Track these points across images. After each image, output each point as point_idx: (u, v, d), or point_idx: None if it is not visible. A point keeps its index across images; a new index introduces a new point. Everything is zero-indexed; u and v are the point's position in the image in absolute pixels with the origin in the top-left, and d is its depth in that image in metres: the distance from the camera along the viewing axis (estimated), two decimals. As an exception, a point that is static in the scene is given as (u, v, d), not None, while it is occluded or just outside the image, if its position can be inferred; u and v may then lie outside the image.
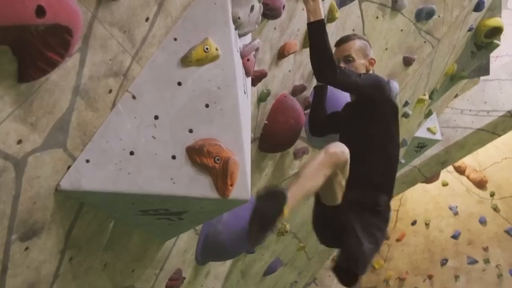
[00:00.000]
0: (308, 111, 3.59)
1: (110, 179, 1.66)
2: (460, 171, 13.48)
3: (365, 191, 2.98)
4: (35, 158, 1.44)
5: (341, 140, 3.07)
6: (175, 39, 1.81)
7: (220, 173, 1.73)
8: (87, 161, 1.64)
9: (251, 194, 1.91)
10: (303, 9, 2.94)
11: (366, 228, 2.89)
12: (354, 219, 2.88)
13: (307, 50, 3.24)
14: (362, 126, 3.08)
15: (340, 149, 2.66)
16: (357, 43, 3.28)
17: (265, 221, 2.25)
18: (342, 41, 3.32)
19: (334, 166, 2.64)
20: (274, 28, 2.74)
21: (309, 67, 3.47)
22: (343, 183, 2.77)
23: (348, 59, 3.23)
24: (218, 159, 1.73)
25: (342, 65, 3.21)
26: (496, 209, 13.10)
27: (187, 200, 1.77)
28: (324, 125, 3.53)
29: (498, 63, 9.10)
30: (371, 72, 3.30)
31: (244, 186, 1.82)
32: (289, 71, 3.25)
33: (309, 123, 3.56)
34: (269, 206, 2.23)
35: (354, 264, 2.79)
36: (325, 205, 2.87)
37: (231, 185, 1.74)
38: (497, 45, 7.04)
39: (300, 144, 3.79)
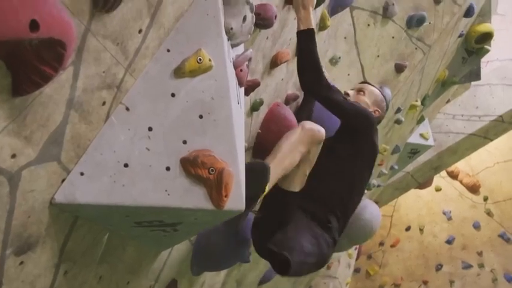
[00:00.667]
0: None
1: (105, 191, 1.65)
2: (453, 176, 13.57)
3: (322, 207, 2.95)
4: (29, 171, 1.43)
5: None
6: (168, 51, 1.81)
7: (214, 184, 1.73)
8: (82, 173, 1.63)
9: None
10: (294, 19, 2.95)
11: (311, 233, 2.83)
12: (302, 219, 2.83)
13: (294, 60, 3.26)
14: (338, 157, 3.06)
15: (316, 127, 2.67)
16: (376, 91, 3.36)
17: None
18: (367, 83, 3.45)
19: (310, 143, 2.64)
20: (267, 38, 2.75)
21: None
22: (307, 171, 2.74)
23: (359, 91, 3.32)
24: (212, 170, 1.73)
25: (349, 91, 3.29)
26: (489, 213, 13.19)
27: (182, 212, 1.77)
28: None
29: (489, 68, 9.18)
30: None
31: (239, 196, 1.82)
32: (282, 79, 3.27)
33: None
34: (251, 185, 2.12)
35: (287, 251, 2.64)
36: (279, 188, 2.74)
37: (225, 196, 1.74)
38: (487, 51, 7.09)
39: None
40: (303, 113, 3.54)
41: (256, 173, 2.29)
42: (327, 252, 2.91)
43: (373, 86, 3.42)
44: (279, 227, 2.74)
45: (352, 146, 3.04)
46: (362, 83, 3.51)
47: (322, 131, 2.66)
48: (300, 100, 3.67)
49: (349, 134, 3.06)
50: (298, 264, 2.66)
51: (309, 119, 3.40)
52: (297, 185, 2.74)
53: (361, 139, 3.06)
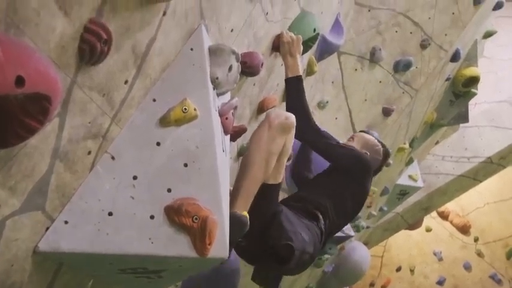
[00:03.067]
0: (288, 162, 3.63)
1: (89, 239, 1.66)
2: (444, 216, 13.57)
3: (309, 204, 2.97)
4: (13, 221, 1.44)
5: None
6: (154, 100, 1.85)
7: (198, 232, 1.74)
8: (66, 222, 1.65)
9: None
10: (281, 65, 3.00)
11: (304, 223, 2.81)
12: (291, 213, 2.79)
13: (283, 104, 3.31)
14: (329, 182, 3.16)
15: (283, 116, 2.59)
16: (368, 137, 3.44)
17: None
18: (362, 131, 3.60)
19: (282, 135, 2.56)
20: (254, 84, 2.79)
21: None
22: (284, 160, 2.68)
23: (349, 139, 3.43)
24: (196, 219, 1.74)
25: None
26: (480, 254, 13.16)
27: (166, 259, 1.78)
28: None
29: (477, 110, 9.28)
30: None
31: (223, 244, 1.83)
32: (269, 124, 3.30)
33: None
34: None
35: (287, 240, 2.61)
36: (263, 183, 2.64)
37: (209, 244, 1.76)
38: (474, 94, 7.19)
39: (280, 195, 3.81)
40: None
41: (233, 226, 2.25)
42: (318, 245, 2.88)
43: (366, 133, 3.50)
44: (269, 221, 2.68)
45: (343, 183, 3.10)
46: (359, 131, 3.62)
47: (291, 117, 2.59)
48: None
49: (341, 174, 3.12)
50: (299, 253, 2.63)
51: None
52: (277, 177, 2.68)
53: (352, 180, 3.12)
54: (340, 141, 3.34)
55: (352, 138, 3.42)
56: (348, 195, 3.12)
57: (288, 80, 2.92)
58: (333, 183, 3.11)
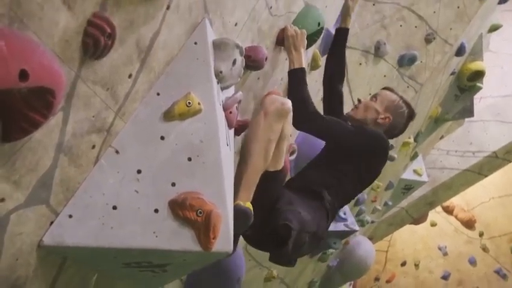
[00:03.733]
0: (293, 157, 3.63)
1: (93, 234, 1.67)
2: (448, 211, 13.57)
3: (313, 184, 2.91)
4: (17, 215, 1.45)
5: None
6: (158, 94, 1.85)
7: (202, 226, 1.74)
8: (70, 216, 1.65)
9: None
10: (286, 59, 3.00)
11: (306, 203, 2.76)
12: (293, 195, 2.76)
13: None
14: (335, 161, 3.04)
15: (279, 102, 2.56)
16: (392, 96, 3.25)
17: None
18: (386, 88, 3.37)
19: (279, 121, 2.54)
20: (258, 78, 2.79)
21: (293, 114, 3.51)
22: (284, 147, 2.65)
23: (372, 98, 3.27)
24: (200, 213, 1.74)
25: (362, 99, 3.27)
26: (485, 249, 13.15)
27: (170, 253, 1.78)
28: (331, 86, 3.49)
29: (482, 104, 9.26)
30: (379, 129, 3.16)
31: (227, 238, 1.83)
32: (274, 118, 3.29)
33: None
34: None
35: (285, 220, 2.57)
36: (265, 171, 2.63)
37: (213, 238, 1.76)
38: (480, 88, 7.17)
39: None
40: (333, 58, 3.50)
41: (237, 219, 2.23)
42: (323, 223, 2.85)
43: (391, 91, 3.31)
44: (271, 206, 2.67)
45: (352, 164, 2.99)
46: (383, 89, 3.41)
47: (287, 102, 2.57)
48: (291, 139, 3.70)
49: (351, 154, 3.01)
50: (298, 233, 2.59)
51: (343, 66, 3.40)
52: (277, 164, 2.65)
53: (363, 162, 3.01)
54: (362, 101, 3.27)
55: (375, 97, 3.25)
56: (356, 173, 3.01)
57: (290, 72, 2.91)
58: (341, 161, 3.00)
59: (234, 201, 2.33)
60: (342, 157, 3.00)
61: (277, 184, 2.73)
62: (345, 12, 3.35)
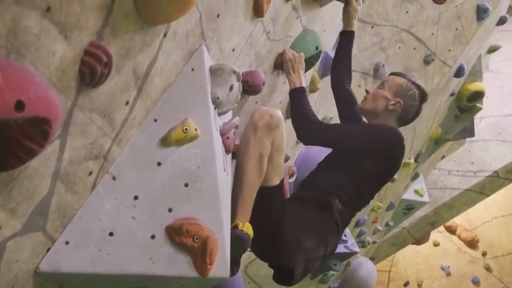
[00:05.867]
0: (292, 179, 3.63)
1: (90, 260, 1.67)
2: (451, 230, 13.53)
3: (319, 192, 2.77)
4: (14, 242, 1.46)
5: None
6: (155, 121, 1.86)
7: (199, 252, 1.75)
8: (67, 242, 1.66)
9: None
10: (284, 83, 3.02)
11: (310, 221, 2.67)
12: (296, 210, 2.66)
13: (289, 121, 3.31)
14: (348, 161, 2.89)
15: (266, 115, 2.48)
16: (399, 80, 3.11)
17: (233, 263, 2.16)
18: (394, 73, 3.26)
19: (269, 135, 2.48)
20: (256, 102, 2.81)
21: (293, 136, 3.52)
22: (279, 160, 2.58)
23: (380, 85, 3.17)
24: (197, 238, 1.75)
25: (372, 90, 3.17)
26: (488, 268, 13.08)
27: (167, 279, 1.78)
28: (340, 87, 3.38)
29: (483, 124, 9.28)
30: (391, 116, 3.04)
31: (224, 264, 1.84)
32: (272, 142, 3.30)
33: (331, 73, 3.41)
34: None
35: (287, 259, 2.54)
36: (261, 187, 2.55)
37: (210, 264, 1.76)
38: (480, 109, 7.19)
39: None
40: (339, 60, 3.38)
41: (234, 244, 2.23)
42: (332, 239, 2.75)
43: (398, 75, 3.19)
44: (274, 224, 2.60)
45: (366, 164, 2.84)
46: (390, 74, 3.29)
47: (275, 114, 2.50)
48: (290, 161, 3.71)
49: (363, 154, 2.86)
50: (303, 266, 2.57)
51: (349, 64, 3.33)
52: (275, 178, 2.59)
53: (377, 160, 2.85)
54: (371, 91, 3.16)
55: (382, 85, 3.14)
56: (371, 173, 2.87)
57: (291, 91, 2.90)
58: (353, 162, 2.86)
59: (233, 221, 2.34)
60: (354, 157, 2.86)
61: (276, 199, 2.65)
62: (348, 16, 3.23)
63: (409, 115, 3.07)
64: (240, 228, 2.35)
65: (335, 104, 3.43)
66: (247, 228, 2.39)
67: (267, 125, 2.46)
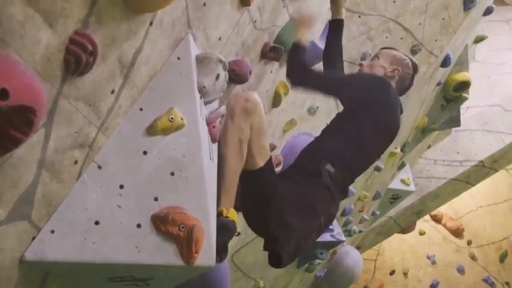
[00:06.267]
0: (279, 168, 3.64)
1: (75, 248, 1.67)
2: (437, 219, 13.61)
3: (311, 159, 2.77)
4: (-2, 231, 1.45)
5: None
6: (141, 109, 1.86)
7: (185, 240, 1.75)
8: (52, 231, 1.65)
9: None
10: (271, 72, 3.02)
11: (300, 200, 2.61)
12: (282, 185, 2.62)
13: (276, 110, 3.32)
14: (347, 123, 2.89)
15: (242, 99, 2.48)
16: (393, 52, 3.19)
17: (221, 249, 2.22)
18: (385, 48, 3.32)
19: (247, 119, 2.47)
20: (243, 91, 2.81)
21: (279, 126, 3.53)
22: (262, 141, 2.56)
23: (373, 58, 3.20)
24: (183, 227, 1.76)
25: (363, 63, 3.20)
26: (473, 257, 13.19)
27: (153, 268, 1.79)
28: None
29: (469, 114, 9.32)
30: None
31: (209, 252, 1.84)
32: (259, 130, 3.31)
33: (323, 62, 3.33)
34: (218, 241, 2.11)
35: (274, 243, 2.55)
36: (246, 171, 2.56)
37: (196, 252, 1.77)
38: (466, 98, 7.22)
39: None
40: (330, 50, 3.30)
41: (220, 232, 2.17)
42: (326, 207, 2.71)
43: (389, 48, 3.27)
44: (262, 211, 2.58)
45: (361, 121, 2.83)
46: (381, 49, 3.32)
47: (250, 97, 2.49)
48: (277, 150, 3.72)
49: (360, 108, 2.86)
50: (292, 249, 2.57)
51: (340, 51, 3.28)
52: (260, 160, 2.56)
53: (378, 113, 2.85)
54: (364, 63, 3.21)
55: (377, 56, 3.17)
56: (367, 131, 2.84)
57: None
58: (349, 121, 2.86)
59: (217, 207, 2.34)
60: (350, 116, 2.88)
61: (262, 182, 2.61)
62: (336, 4, 3.20)
63: (404, 83, 3.12)
64: (224, 214, 2.36)
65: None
66: (231, 214, 2.39)
67: (243, 110, 2.46)
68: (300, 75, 2.96)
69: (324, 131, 3.00)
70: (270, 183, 2.63)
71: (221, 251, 2.26)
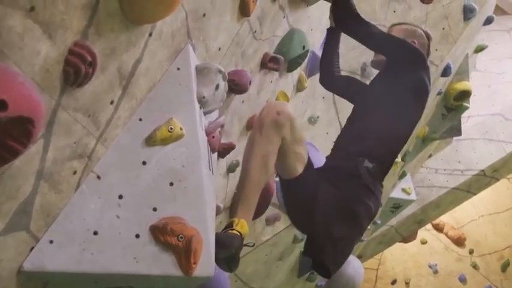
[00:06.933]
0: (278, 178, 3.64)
1: (74, 259, 1.67)
2: (438, 228, 13.57)
3: (346, 157, 2.69)
4: (-3, 241, 1.46)
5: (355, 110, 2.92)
6: (140, 120, 1.87)
7: (183, 251, 1.76)
8: (51, 241, 1.66)
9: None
10: (271, 82, 3.03)
11: (339, 203, 2.58)
12: (324, 191, 2.57)
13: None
14: (383, 97, 2.83)
15: (272, 112, 2.46)
16: (404, 26, 3.14)
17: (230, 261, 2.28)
18: (395, 24, 3.23)
19: (279, 132, 2.45)
20: (242, 101, 2.82)
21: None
22: (298, 149, 2.55)
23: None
24: (181, 238, 1.76)
25: None
26: (475, 266, 13.14)
27: (151, 278, 1.78)
28: (334, 80, 3.24)
29: (470, 123, 9.30)
30: None
31: (208, 263, 1.84)
32: (259, 140, 3.31)
33: (321, 71, 3.30)
34: (224, 257, 2.19)
35: (319, 254, 2.55)
36: (286, 180, 2.62)
37: (194, 263, 1.77)
38: (466, 108, 7.22)
39: (271, 210, 3.83)
40: (327, 57, 3.26)
41: (225, 247, 2.23)
42: (366, 203, 2.64)
43: (399, 24, 3.19)
44: (308, 218, 2.56)
45: (395, 84, 2.78)
46: (390, 27, 3.24)
47: (283, 110, 2.46)
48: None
49: (393, 71, 2.83)
50: (338, 257, 2.60)
51: (334, 60, 3.23)
52: (299, 167, 2.57)
53: (406, 74, 2.79)
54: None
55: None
56: (395, 110, 2.76)
57: None
58: (376, 106, 2.81)
59: (233, 217, 2.37)
60: (377, 97, 2.83)
61: (304, 189, 2.60)
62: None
63: (423, 52, 3.02)
64: (235, 224, 2.35)
65: (322, 103, 3.45)
66: (242, 226, 2.38)
67: (274, 123, 2.45)
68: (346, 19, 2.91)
69: (350, 120, 2.95)
70: (311, 190, 2.59)
71: (231, 261, 2.27)
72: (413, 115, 2.92)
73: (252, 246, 2.55)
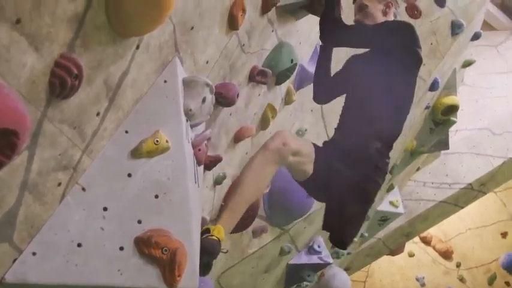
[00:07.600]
0: (266, 190, 3.65)
1: (57, 271, 1.67)
2: (426, 242, 13.60)
3: (355, 142, 2.79)
4: (-21, 253, 1.45)
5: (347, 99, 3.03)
6: (126, 132, 1.87)
7: (167, 264, 1.76)
8: (34, 253, 1.65)
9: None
10: (259, 95, 3.04)
11: (350, 185, 2.72)
12: (335, 177, 2.71)
13: (264, 133, 3.34)
14: (376, 75, 2.89)
15: (281, 141, 2.61)
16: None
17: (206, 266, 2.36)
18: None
19: (278, 162, 2.60)
20: (230, 114, 2.82)
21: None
22: (304, 166, 2.70)
23: (361, 7, 3.11)
24: (166, 250, 1.76)
25: (357, 16, 3.12)
26: (462, 279, 13.18)
27: (135, 291, 1.78)
28: (330, 90, 3.30)
29: (458, 137, 9.35)
30: (391, 17, 3.08)
31: (193, 275, 1.85)
32: (246, 153, 3.33)
33: (313, 89, 3.36)
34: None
35: (335, 229, 2.81)
36: (304, 182, 2.80)
37: (178, 276, 1.77)
38: (454, 122, 7.28)
39: (258, 222, 3.83)
40: (321, 74, 3.30)
41: (209, 254, 2.33)
42: (373, 188, 2.83)
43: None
44: (325, 196, 2.86)
45: (391, 62, 2.85)
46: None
47: (289, 144, 2.61)
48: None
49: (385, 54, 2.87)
50: (352, 230, 2.84)
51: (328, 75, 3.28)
52: (309, 168, 2.72)
53: (396, 47, 2.86)
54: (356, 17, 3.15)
55: (362, 6, 3.09)
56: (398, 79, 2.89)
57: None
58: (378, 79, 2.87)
59: (217, 222, 2.48)
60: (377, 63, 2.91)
61: (317, 184, 2.79)
62: None
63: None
64: (212, 230, 2.38)
65: (310, 115, 3.49)
66: (219, 232, 2.44)
67: (277, 151, 2.60)
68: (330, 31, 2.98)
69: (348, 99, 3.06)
70: (325, 179, 2.75)
71: (206, 267, 2.31)
72: (411, 81, 3.06)
73: (226, 252, 2.65)
